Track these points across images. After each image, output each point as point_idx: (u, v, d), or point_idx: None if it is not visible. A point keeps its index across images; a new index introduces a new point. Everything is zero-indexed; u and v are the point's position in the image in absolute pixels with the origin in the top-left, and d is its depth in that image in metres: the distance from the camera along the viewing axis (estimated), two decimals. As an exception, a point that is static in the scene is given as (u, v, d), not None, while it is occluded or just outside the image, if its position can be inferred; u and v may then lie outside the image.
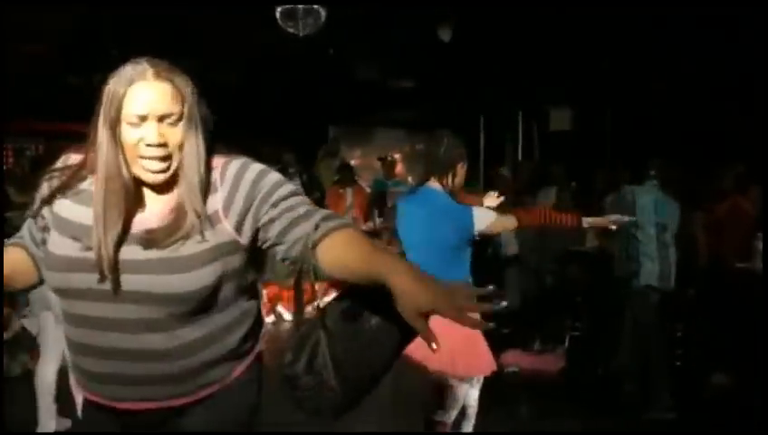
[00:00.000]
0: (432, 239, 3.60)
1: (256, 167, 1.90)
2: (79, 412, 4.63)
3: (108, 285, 1.80)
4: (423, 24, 8.88)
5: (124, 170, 1.82)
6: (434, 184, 3.76)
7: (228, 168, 1.87)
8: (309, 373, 1.81)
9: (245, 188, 1.85)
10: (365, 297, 1.82)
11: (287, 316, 9.21)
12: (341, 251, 1.78)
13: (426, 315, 1.63)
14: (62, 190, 1.94)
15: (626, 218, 4.14)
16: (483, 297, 1.71)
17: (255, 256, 1.94)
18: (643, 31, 8.35)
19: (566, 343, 7.14)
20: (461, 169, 3.84)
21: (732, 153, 7.59)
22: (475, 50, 9.61)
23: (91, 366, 1.88)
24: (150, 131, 1.78)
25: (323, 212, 1.87)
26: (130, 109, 1.78)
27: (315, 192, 9.23)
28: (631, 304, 5.96)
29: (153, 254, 1.80)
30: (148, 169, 1.81)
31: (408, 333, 1.83)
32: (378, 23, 8.74)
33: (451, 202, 3.74)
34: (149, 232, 1.81)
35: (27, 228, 2.06)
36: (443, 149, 3.79)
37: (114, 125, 1.80)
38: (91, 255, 1.81)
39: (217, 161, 1.88)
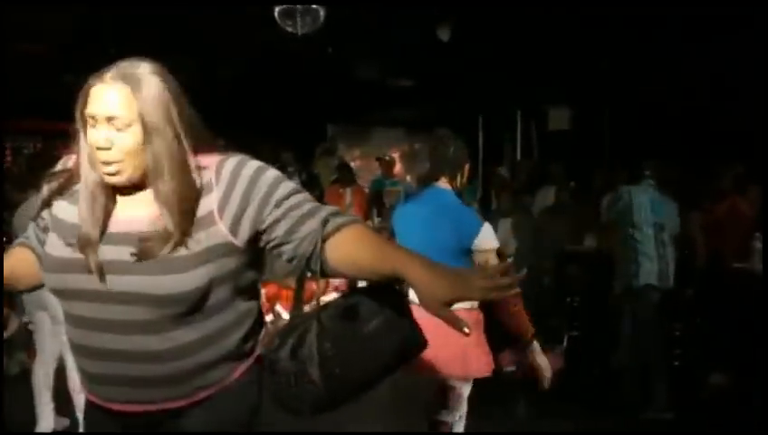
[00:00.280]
0: (431, 239, 3.58)
1: (252, 165, 1.86)
2: (77, 413, 4.65)
3: (101, 286, 1.79)
4: (422, 23, 8.88)
5: (94, 171, 1.82)
6: (443, 184, 3.74)
7: (224, 167, 1.83)
8: (291, 360, 1.79)
9: (241, 189, 1.81)
10: (368, 301, 1.82)
11: (285, 316, 9.20)
12: (353, 247, 1.76)
13: (449, 304, 1.64)
14: (59, 191, 1.95)
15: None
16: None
17: (255, 256, 1.91)
18: (642, 31, 8.35)
19: (564, 343, 7.14)
20: (467, 170, 3.85)
21: (731, 153, 7.59)
22: (474, 49, 9.61)
23: (89, 367, 1.88)
24: (97, 133, 1.77)
25: (328, 208, 1.85)
26: (86, 109, 1.78)
27: (314, 191, 9.23)
28: (631, 304, 5.96)
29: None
30: (102, 172, 1.80)
31: (409, 347, 1.86)
32: (377, 22, 8.74)
33: (460, 203, 3.74)
34: (143, 239, 1.78)
35: (32, 229, 2.07)
36: (452, 149, 3.79)
37: (82, 125, 1.81)
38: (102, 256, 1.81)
39: (212, 160, 1.85)
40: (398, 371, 1.92)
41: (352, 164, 12.07)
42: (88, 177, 1.84)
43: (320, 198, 10.19)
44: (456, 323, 1.67)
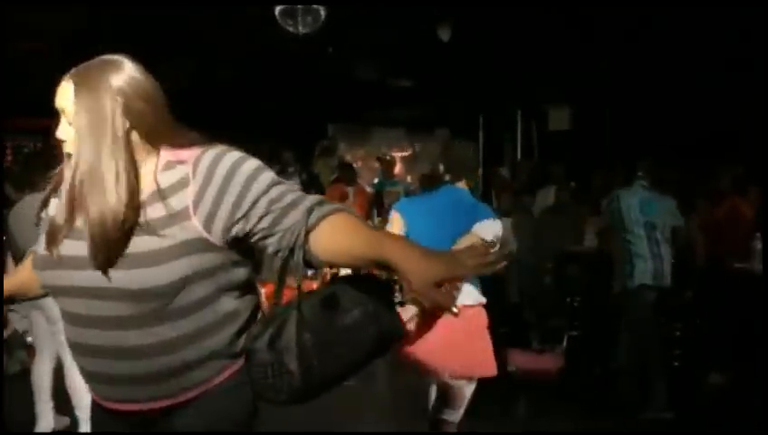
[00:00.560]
0: (449, 233, 3.62)
1: (229, 159, 1.80)
2: (76, 411, 4.65)
3: (82, 282, 1.79)
4: (422, 23, 8.89)
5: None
6: (462, 185, 3.80)
7: (201, 161, 1.81)
8: (270, 350, 1.79)
9: (217, 185, 1.78)
10: (349, 290, 1.83)
11: (285, 315, 9.21)
12: (338, 236, 1.74)
13: (439, 285, 1.64)
14: (54, 190, 1.97)
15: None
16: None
17: (242, 255, 1.88)
18: (642, 30, 8.36)
19: (564, 343, 7.14)
20: (478, 174, 3.99)
21: (731, 154, 7.60)
22: (474, 49, 9.61)
23: (85, 364, 1.90)
24: (59, 126, 1.84)
25: (312, 198, 1.81)
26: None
27: (315, 191, 9.23)
28: (627, 304, 5.98)
29: (129, 250, 1.78)
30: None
31: (389, 337, 1.86)
32: (377, 22, 8.74)
33: (476, 200, 3.85)
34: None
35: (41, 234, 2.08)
36: (471, 152, 3.91)
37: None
38: (67, 252, 1.82)
39: (191, 154, 1.83)
40: (378, 358, 1.93)
41: (353, 164, 12.08)
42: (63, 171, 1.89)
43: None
44: (446, 303, 1.69)
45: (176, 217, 1.77)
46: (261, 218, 1.78)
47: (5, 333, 5.88)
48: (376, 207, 10.59)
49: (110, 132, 1.77)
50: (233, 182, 1.77)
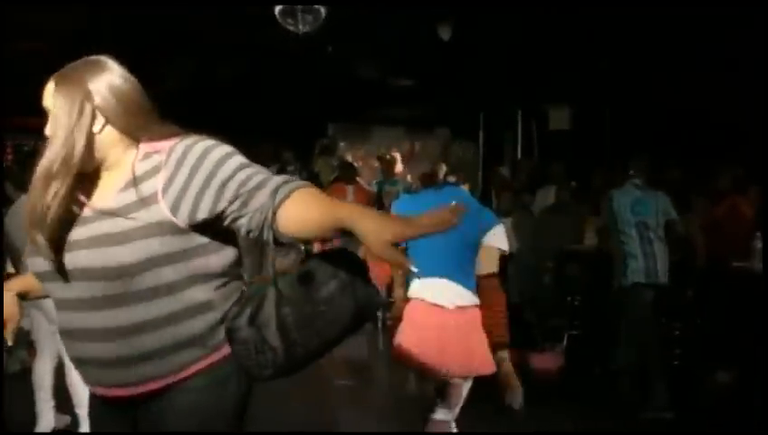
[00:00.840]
0: (451, 234, 3.63)
1: (200, 147, 1.90)
2: (77, 410, 4.66)
3: (58, 265, 1.89)
4: (423, 22, 8.89)
5: None
6: (464, 187, 3.82)
7: (174, 150, 1.90)
8: (250, 327, 1.84)
9: (186, 170, 1.87)
10: (323, 265, 1.90)
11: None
12: (302, 209, 1.79)
13: (395, 245, 1.70)
14: None
15: None
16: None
17: (219, 243, 1.94)
18: (642, 30, 8.35)
19: (564, 342, 7.15)
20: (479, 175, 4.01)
21: (731, 154, 7.60)
22: (475, 48, 9.62)
23: (70, 348, 2.00)
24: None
25: (278, 178, 1.86)
26: None
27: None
28: (626, 303, 5.99)
29: (88, 232, 1.88)
30: None
31: (367, 306, 1.93)
32: (377, 21, 8.74)
33: (479, 202, 3.87)
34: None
35: None
36: (473, 153, 3.92)
37: None
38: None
39: (167, 144, 1.92)
40: (357, 330, 1.99)
41: (353, 163, 12.08)
42: None
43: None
44: (401, 260, 1.77)
45: (145, 201, 1.86)
46: (231, 202, 1.84)
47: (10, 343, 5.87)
48: (376, 207, 10.60)
49: (83, 129, 1.89)
50: (202, 167, 1.86)
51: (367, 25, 8.91)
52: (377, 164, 11.77)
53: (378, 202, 10.64)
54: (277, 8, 7.59)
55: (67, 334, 1.98)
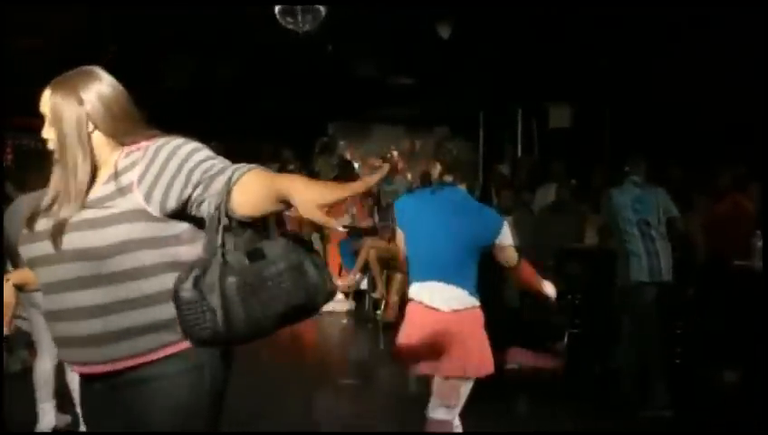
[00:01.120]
0: (450, 234, 3.66)
1: (173, 144, 2.11)
2: (77, 409, 4.66)
3: (47, 250, 2.11)
4: (422, 21, 8.88)
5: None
6: (462, 186, 3.81)
7: (150, 147, 2.12)
8: (194, 289, 1.94)
9: (159, 162, 2.08)
10: (276, 246, 2.05)
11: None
12: (250, 187, 1.96)
13: (323, 208, 1.85)
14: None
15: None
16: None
17: (192, 234, 2.13)
18: (642, 28, 8.35)
19: (565, 341, 7.15)
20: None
21: (731, 151, 7.59)
22: (475, 47, 9.61)
23: (52, 329, 2.22)
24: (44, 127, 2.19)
25: (235, 165, 2.04)
26: None
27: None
28: (626, 302, 5.99)
29: (74, 219, 2.09)
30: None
31: (313, 296, 2.05)
32: (377, 20, 8.74)
33: (479, 203, 3.87)
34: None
35: None
36: (467, 152, 3.93)
37: None
38: (40, 228, 2.16)
39: (145, 143, 2.15)
40: (309, 314, 2.09)
41: (355, 163, 12.09)
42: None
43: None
44: (330, 222, 1.90)
45: (122, 191, 2.09)
46: (195, 187, 2.04)
47: (6, 332, 5.87)
48: (375, 205, 10.60)
49: (75, 133, 2.14)
50: (173, 160, 2.07)
51: (366, 24, 8.90)
52: (377, 163, 11.77)
53: (377, 201, 10.65)
54: (277, 7, 7.58)
55: (51, 315, 2.18)
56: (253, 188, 1.96)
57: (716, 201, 6.96)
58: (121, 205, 2.07)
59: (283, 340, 8.88)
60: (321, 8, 7.58)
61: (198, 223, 2.11)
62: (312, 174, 10.26)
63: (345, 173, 9.74)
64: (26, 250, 2.20)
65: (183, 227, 2.12)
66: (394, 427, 5.24)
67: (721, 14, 7.44)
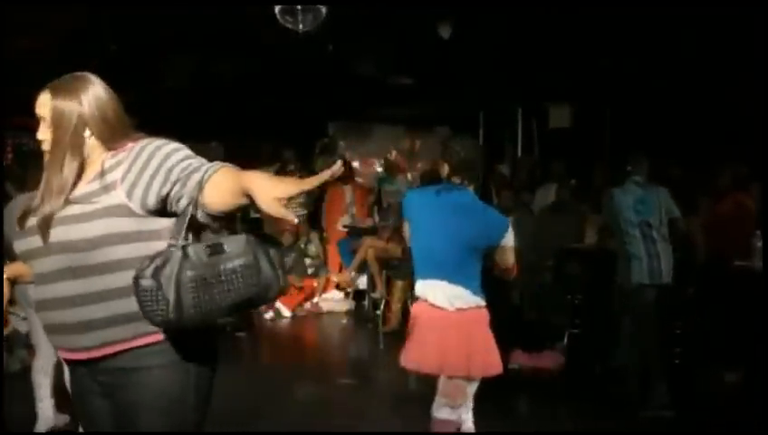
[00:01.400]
0: (455, 234, 3.67)
1: (155, 144, 2.25)
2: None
3: (37, 243, 2.25)
4: (423, 21, 8.88)
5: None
6: (470, 187, 3.84)
7: (134, 148, 2.26)
8: (152, 278, 2.08)
9: (141, 161, 2.21)
10: (235, 243, 2.17)
11: (286, 312, 9.23)
12: (219, 183, 2.09)
13: (281, 201, 1.96)
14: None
15: None
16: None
17: (170, 233, 2.20)
18: (642, 28, 8.35)
19: (565, 341, 7.15)
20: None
21: (732, 151, 7.59)
22: (475, 47, 9.60)
23: (42, 317, 2.35)
24: (39, 129, 2.32)
25: (210, 163, 2.17)
26: None
27: (315, 189, 9.23)
28: (627, 303, 5.98)
29: (62, 214, 2.23)
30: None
31: (264, 290, 2.19)
32: (377, 19, 8.74)
33: (484, 204, 3.89)
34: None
35: None
36: (474, 151, 3.97)
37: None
38: (31, 223, 2.29)
39: (130, 144, 2.29)
40: (259, 305, 2.27)
41: (355, 163, 12.09)
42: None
43: (321, 196, 10.22)
44: (287, 215, 1.97)
45: (107, 188, 2.22)
46: (174, 184, 2.16)
47: (5, 331, 5.88)
48: (375, 205, 10.62)
49: (71, 135, 2.28)
50: (153, 159, 2.21)
51: (367, 24, 8.90)
52: (377, 163, 11.78)
53: (377, 201, 10.65)
54: (277, 7, 7.57)
55: (40, 305, 2.32)
56: (222, 185, 2.08)
57: (717, 201, 6.95)
58: (105, 201, 2.21)
59: (283, 340, 8.90)
60: (322, 8, 7.57)
61: (174, 216, 2.23)
62: (313, 174, 10.25)
63: (345, 173, 9.72)
64: (19, 245, 2.35)
65: (163, 223, 2.24)
66: (393, 427, 5.24)
67: (721, 14, 7.43)
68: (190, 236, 2.16)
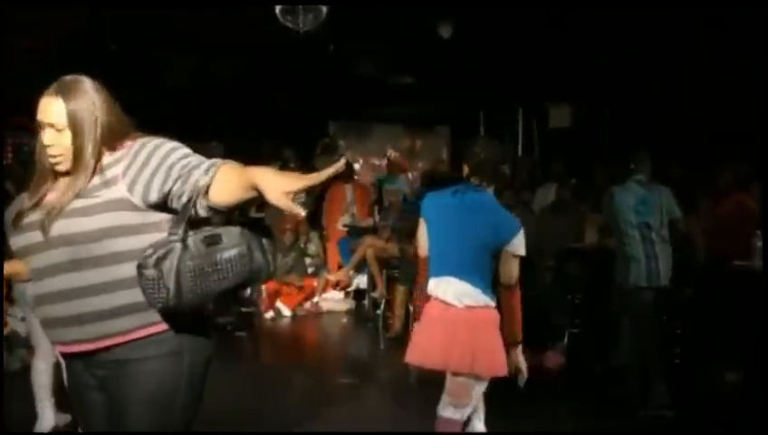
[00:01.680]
0: (471, 235, 3.68)
1: (154, 142, 2.34)
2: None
3: (38, 239, 2.31)
4: (423, 20, 8.88)
5: (43, 160, 2.41)
6: (490, 189, 3.85)
7: (133, 145, 2.35)
8: (155, 268, 2.20)
9: (142, 158, 2.30)
10: (230, 233, 2.30)
11: (286, 312, 9.22)
12: (227, 179, 2.19)
13: (288, 195, 2.07)
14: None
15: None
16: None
17: (167, 225, 2.31)
18: (642, 28, 8.35)
19: (565, 340, 7.15)
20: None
21: (732, 151, 7.59)
22: (475, 47, 9.61)
23: (40, 312, 2.40)
24: (45, 135, 2.35)
25: (210, 160, 2.27)
26: (37, 117, 2.36)
27: (315, 188, 9.22)
28: (625, 303, 5.97)
29: (68, 207, 2.29)
30: (50, 163, 2.38)
31: (255, 275, 2.33)
32: (378, 19, 8.74)
33: (500, 205, 3.90)
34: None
35: None
36: (493, 151, 3.94)
37: (39, 128, 2.37)
38: (29, 219, 2.37)
39: (129, 142, 2.37)
40: (249, 287, 2.32)
41: (356, 164, 12.09)
42: (38, 164, 2.44)
43: (321, 195, 10.22)
44: (294, 209, 2.09)
45: (107, 183, 2.30)
46: (175, 181, 2.25)
47: (5, 331, 5.88)
48: (376, 204, 10.61)
49: (92, 136, 2.33)
50: (154, 156, 2.30)
51: (367, 24, 8.90)
52: (378, 162, 11.78)
53: (378, 200, 10.65)
54: (278, 7, 7.58)
55: (38, 299, 2.38)
56: (229, 179, 2.19)
57: (718, 201, 6.95)
58: (107, 195, 2.29)
59: (283, 339, 8.90)
60: (322, 8, 7.58)
61: (173, 212, 2.32)
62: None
63: (345, 173, 9.72)
64: (17, 241, 2.41)
65: (162, 216, 2.33)
66: (393, 426, 5.24)
67: (721, 14, 7.43)
68: (189, 229, 2.27)
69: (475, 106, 12.52)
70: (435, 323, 3.75)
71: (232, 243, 2.29)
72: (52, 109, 2.32)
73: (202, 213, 2.24)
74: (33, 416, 4.90)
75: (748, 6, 6.71)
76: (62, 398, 4.86)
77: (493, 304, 3.78)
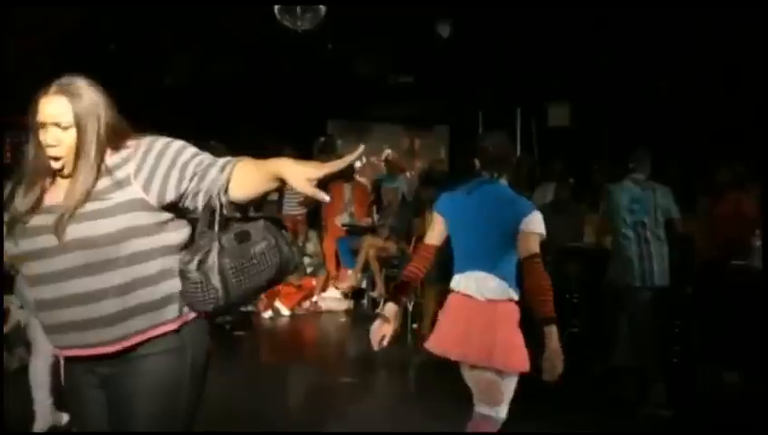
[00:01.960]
0: (491, 225, 3.69)
1: (163, 140, 2.37)
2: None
3: (44, 244, 2.28)
4: (422, 19, 8.88)
5: (40, 161, 2.40)
6: (503, 180, 3.87)
7: (141, 144, 2.35)
8: (198, 271, 2.29)
9: (153, 157, 2.32)
10: (256, 228, 2.39)
11: (285, 312, 9.22)
12: (247, 173, 2.27)
13: (315, 182, 2.16)
14: (17, 184, 2.51)
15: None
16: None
17: (179, 221, 2.37)
18: (641, 27, 8.36)
19: (564, 340, 7.14)
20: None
21: (731, 151, 7.60)
22: (474, 46, 9.62)
23: (43, 317, 2.38)
24: (46, 135, 2.33)
25: (224, 159, 2.33)
26: (36, 117, 2.35)
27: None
28: (622, 303, 5.97)
29: (78, 211, 2.26)
30: (51, 164, 2.36)
31: (286, 264, 2.42)
32: (376, 18, 8.74)
33: (518, 195, 3.91)
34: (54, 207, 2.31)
35: None
36: (502, 146, 3.97)
37: (35, 128, 2.37)
38: (33, 223, 2.32)
39: (132, 142, 2.37)
40: (278, 282, 2.50)
41: (357, 163, 12.06)
42: (31, 164, 2.45)
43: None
44: (319, 195, 2.18)
45: (119, 184, 2.30)
46: (191, 179, 2.29)
47: (5, 330, 5.88)
48: (375, 203, 10.61)
49: (96, 135, 2.32)
50: (165, 155, 2.32)
51: (366, 23, 8.90)
52: (376, 161, 11.78)
53: (377, 199, 10.64)
54: (277, 6, 7.58)
55: (44, 305, 2.34)
56: (247, 173, 2.26)
57: (716, 200, 6.95)
58: (120, 197, 2.29)
59: (281, 339, 8.90)
60: (321, 7, 7.58)
61: (180, 211, 2.37)
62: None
63: (344, 172, 9.71)
64: (21, 245, 2.35)
65: (170, 215, 2.36)
66: (393, 426, 5.24)
67: (721, 14, 7.44)
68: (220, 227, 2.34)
69: (474, 105, 12.52)
70: (455, 316, 3.78)
71: (260, 236, 2.38)
72: (56, 108, 2.30)
73: (226, 211, 2.31)
74: (31, 416, 4.90)
75: (748, 6, 6.72)
76: (61, 397, 4.87)
77: (516, 297, 3.81)
